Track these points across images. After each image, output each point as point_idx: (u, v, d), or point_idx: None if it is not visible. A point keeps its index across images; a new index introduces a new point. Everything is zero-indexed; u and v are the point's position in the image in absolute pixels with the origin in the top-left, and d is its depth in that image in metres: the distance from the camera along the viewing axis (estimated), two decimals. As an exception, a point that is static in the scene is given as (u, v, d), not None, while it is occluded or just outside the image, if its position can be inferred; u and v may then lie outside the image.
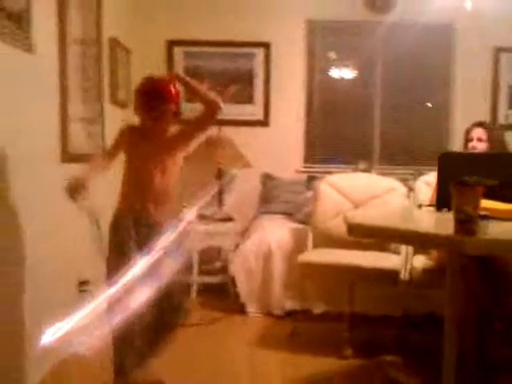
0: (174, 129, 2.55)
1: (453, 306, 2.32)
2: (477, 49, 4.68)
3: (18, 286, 2.43)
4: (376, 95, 4.84)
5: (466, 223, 1.76)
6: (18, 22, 2.32)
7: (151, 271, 2.37)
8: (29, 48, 2.45)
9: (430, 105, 4.89)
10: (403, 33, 4.53)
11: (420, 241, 1.98)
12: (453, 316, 2.30)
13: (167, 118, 2.47)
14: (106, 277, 2.44)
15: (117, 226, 2.48)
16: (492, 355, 2.77)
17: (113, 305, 2.33)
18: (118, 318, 2.32)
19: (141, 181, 2.48)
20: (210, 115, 2.50)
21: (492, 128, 3.14)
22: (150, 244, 2.40)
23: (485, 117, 4.55)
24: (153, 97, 2.44)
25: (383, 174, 4.17)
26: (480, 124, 3.14)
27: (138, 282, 2.35)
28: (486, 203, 2.21)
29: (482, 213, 1.83)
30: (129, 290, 2.34)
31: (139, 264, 2.38)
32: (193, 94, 2.62)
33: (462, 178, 1.80)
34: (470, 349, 2.71)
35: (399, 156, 4.75)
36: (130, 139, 2.52)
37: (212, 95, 2.51)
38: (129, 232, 2.44)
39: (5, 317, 2.30)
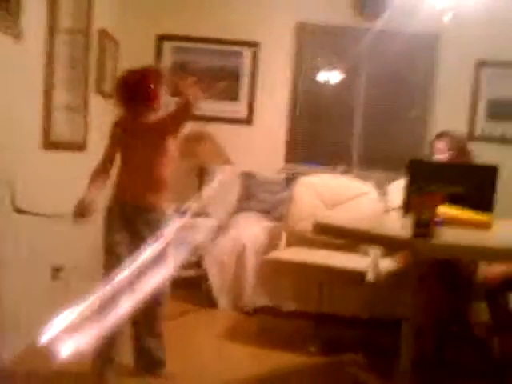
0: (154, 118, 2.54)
1: (413, 310, 2.40)
2: (459, 60, 4.77)
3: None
4: (359, 100, 4.93)
5: (423, 228, 1.86)
6: (7, 9, 2.37)
7: (154, 263, 2.43)
8: (17, 35, 2.50)
9: (413, 112, 4.99)
10: (389, 40, 4.62)
11: (379, 242, 2.08)
12: (412, 318, 2.38)
13: (147, 114, 2.50)
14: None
15: (109, 224, 2.51)
16: (450, 358, 2.89)
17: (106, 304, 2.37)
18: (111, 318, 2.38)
19: (133, 170, 2.51)
20: (182, 112, 2.44)
21: (454, 138, 3.23)
22: (149, 234, 2.44)
23: (462, 127, 4.69)
24: (132, 94, 2.47)
25: (361, 178, 4.29)
26: (441, 135, 3.26)
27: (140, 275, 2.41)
28: (448, 210, 2.33)
29: (439, 219, 1.92)
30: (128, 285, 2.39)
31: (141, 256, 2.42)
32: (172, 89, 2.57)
33: (421, 185, 1.89)
34: (429, 351, 2.83)
35: (378, 161, 4.84)
36: (120, 133, 2.57)
37: (189, 96, 2.41)
38: (120, 229, 2.47)
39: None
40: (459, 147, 3.30)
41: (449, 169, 2.81)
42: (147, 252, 2.43)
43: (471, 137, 4.75)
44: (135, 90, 2.46)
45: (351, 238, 2.40)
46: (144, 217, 2.47)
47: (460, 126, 4.57)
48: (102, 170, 2.58)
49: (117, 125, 2.60)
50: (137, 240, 2.44)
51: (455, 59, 4.77)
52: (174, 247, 2.57)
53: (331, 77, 5.00)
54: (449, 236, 2.00)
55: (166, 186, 2.53)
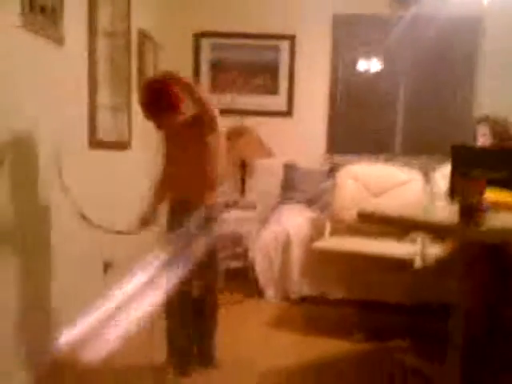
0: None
1: (462, 296, 2.38)
2: (503, 43, 4.65)
3: (47, 267, 2.60)
4: (400, 87, 4.87)
5: (470, 213, 1.84)
6: (51, 16, 2.46)
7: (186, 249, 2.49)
8: (60, 40, 2.60)
9: (458, 96, 4.87)
10: (428, 26, 4.55)
11: (426, 229, 2.07)
12: (461, 305, 2.36)
13: (174, 122, 2.52)
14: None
15: (167, 220, 2.62)
16: (499, 352, 2.84)
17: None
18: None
19: (176, 170, 2.60)
20: (207, 125, 2.50)
21: (495, 122, 3.14)
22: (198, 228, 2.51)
23: (507, 111, 4.56)
24: (155, 110, 2.50)
25: (405, 165, 4.24)
26: (481, 119, 3.18)
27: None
28: (493, 195, 2.29)
29: (486, 204, 1.90)
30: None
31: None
32: (193, 100, 2.52)
33: (465, 171, 1.87)
34: (478, 337, 2.78)
35: (421, 147, 4.77)
36: (167, 138, 2.67)
37: (210, 107, 2.47)
38: (174, 225, 2.55)
39: (34, 295, 2.47)
40: (502, 131, 3.22)
41: (491, 154, 2.74)
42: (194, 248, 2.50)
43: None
44: (158, 99, 2.47)
45: (397, 226, 2.38)
46: (192, 212, 2.51)
47: (505, 110, 4.45)
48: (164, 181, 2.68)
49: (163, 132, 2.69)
50: (189, 234, 2.49)
51: (498, 42, 4.65)
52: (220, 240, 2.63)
53: (370, 66, 4.95)
54: (496, 220, 1.97)
55: (210, 181, 2.57)
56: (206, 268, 2.55)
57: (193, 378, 2.59)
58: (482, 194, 1.85)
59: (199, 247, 2.49)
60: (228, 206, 4.25)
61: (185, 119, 2.53)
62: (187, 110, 2.52)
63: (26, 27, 2.24)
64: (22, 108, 2.30)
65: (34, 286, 2.47)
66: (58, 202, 2.64)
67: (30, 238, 2.42)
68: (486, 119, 3.22)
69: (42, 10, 2.36)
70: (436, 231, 2.22)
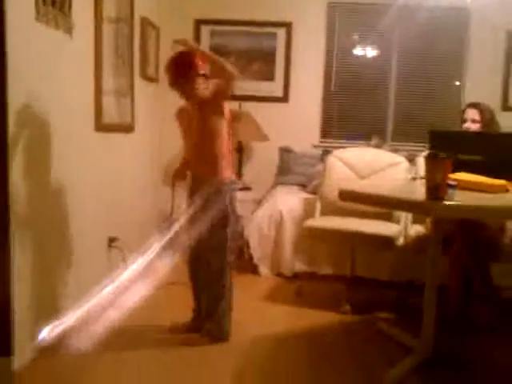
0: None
1: (432, 271, 2.59)
2: (490, 31, 4.84)
3: (59, 242, 2.83)
4: (391, 74, 5.07)
5: (435, 190, 2.06)
6: (60, 7, 2.66)
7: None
8: (69, 29, 2.80)
9: (457, 83, 5.05)
10: (420, 14, 4.74)
11: (396, 205, 2.29)
12: (432, 279, 2.58)
13: (199, 82, 2.72)
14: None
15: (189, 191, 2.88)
16: (474, 316, 3.08)
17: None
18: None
19: (192, 148, 2.83)
20: (227, 83, 2.68)
21: (485, 109, 3.30)
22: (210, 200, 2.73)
23: (495, 99, 4.77)
24: (181, 68, 2.72)
25: (395, 150, 4.46)
26: (474, 105, 3.31)
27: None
28: (466, 176, 2.51)
29: (451, 182, 2.11)
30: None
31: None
32: (212, 64, 2.73)
33: (433, 152, 2.09)
34: (454, 310, 3.03)
35: (411, 133, 4.99)
36: (182, 119, 2.88)
37: (229, 65, 2.66)
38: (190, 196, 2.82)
39: (46, 262, 2.70)
40: (490, 118, 3.37)
41: (468, 137, 2.95)
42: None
43: (505, 107, 4.84)
44: (185, 67, 2.71)
45: (371, 203, 2.59)
46: (205, 186, 2.75)
47: (492, 97, 4.65)
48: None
49: (177, 114, 2.92)
50: (203, 206, 2.73)
51: (486, 29, 4.84)
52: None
53: (364, 53, 5.14)
54: (462, 198, 2.18)
55: (220, 159, 2.78)
56: (215, 233, 2.76)
57: (187, 338, 2.83)
58: (446, 173, 2.06)
59: (210, 214, 2.71)
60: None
61: (206, 91, 2.73)
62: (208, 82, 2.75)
63: (38, 19, 2.45)
64: (37, 93, 2.51)
65: (47, 255, 2.70)
66: (69, 180, 2.87)
67: (44, 213, 2.65)
68: (477, 106, 3.35)
69: (53, 2, 2.56)
70: (406, 207, 2.44)
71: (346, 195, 2.45)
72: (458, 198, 2.12)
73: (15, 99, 2.30)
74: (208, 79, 2.77)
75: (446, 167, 2.07)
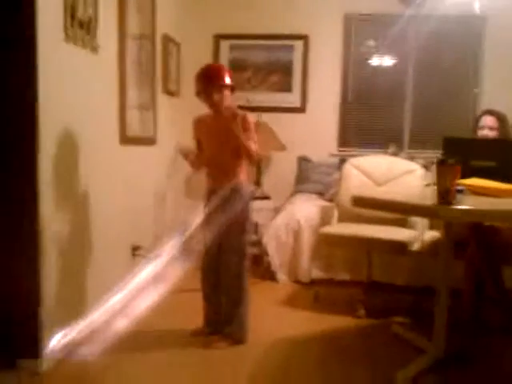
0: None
1: (444, 274, 2.67)
2: (507, 39, 4.90)
3: (84, 250, 2.98)
4: (407, 83, 5.16)
5: (444, 195, 2.15)
6: (87, 28, 2.83)
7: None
8: (95, 48, 2.96)
9: (476, 90, 5.11)
10: (435, 23, 4.83)
11: (407, 210, 2.38)
12: (444, 282, 2.65)
13: (225, 94, 2.86)
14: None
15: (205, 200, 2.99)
16: (485, 319, 3.14)
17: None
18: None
19: (214, 158, 2.94)
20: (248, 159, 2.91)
21: (502, 116, 3.36)
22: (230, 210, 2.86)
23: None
24: (210, 77, 2.86)
25: (411, 158, 4.54)
26: (491, 112, 3.37)
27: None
28: (476, 181, 2.59)
29: (459, 187, 2.20)
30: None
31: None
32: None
33: (442, 158, 2.18)
34: (467, 313, 3.09)
35: (428, 140, 5.06)
36: (200, 128, 3.00)
37: (252, 147, 2.84)
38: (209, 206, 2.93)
39: (73, 268, 2.85)
40: (506, 125, 3.42)
41: (481, 144, 3.02)
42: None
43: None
44: (213, 77, 2.86)
45: (383, 209, 2.68)
46: (225, 196, 2.87)
47: (509, 105, 4.69)
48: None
49: (196, 123, 3.03)
50: (221, 211, 2.86)
51: (503, 38, 4.89)
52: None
53: (380, 63, 5.24)
54: (471, 203, 2.27)
55: (239, 170, 2.92)
56: (235, 237, 2.88)
57: (207, 341, 2.94)
58: (455, 178, 2.15)
59: (229, 218, 2.84)
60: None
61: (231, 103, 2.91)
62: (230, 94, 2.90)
63: (67, 40, 2.62)
64: (65, 108, 2.67)
65: (73, 262, 2.85)
66: (95, 190, 3.02)
67: (72, 221, 2.80)
68: (493, 113, 3.38)
69: (81, 24, 2.73)
70: (416, 212, 2.53)
71: (359, 201, 2.55)
72: (468, 203, 2.21)
73: (46, 114, 2.46)
74: (234, 91, 2.93)
75: (454, 173, 2.15)
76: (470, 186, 2.55)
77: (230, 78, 2.90)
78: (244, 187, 2.93)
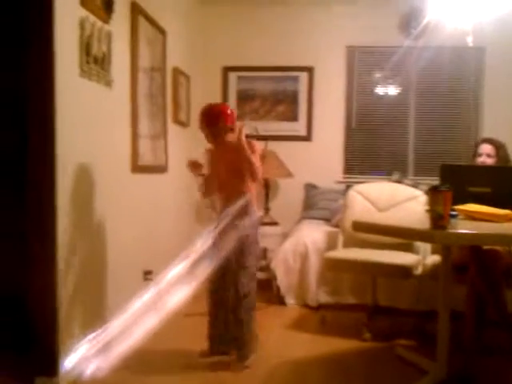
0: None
1: (444, 296, 2.75)
2: (505, 68, 5.04)
3: (98, 274, 3.11)
4: (410, 112, 5.31)
5: (438, 220, 2.25)
6: (102, 64, 3.01)
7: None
8: (108, 82, 3.14)
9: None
10: (435, 54, 5.00)
11: (403, 234, 2.49)
12: (444, 304, 2.73)
13: (225, 133, 3.03)
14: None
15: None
16: (487, 342, 3.20)
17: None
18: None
19: (223, 186, 3.09)
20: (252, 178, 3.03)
21: (499, 144, 3.47)
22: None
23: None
24: (212, 119, 3.02)
25: (415, 184, 4.65)
26: (489, 140, 3.50)
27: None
28: (472, 207, 2.70)
29: (453, 212, 2.31)
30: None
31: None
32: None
33: (435, 185, 2.29)
34: (469, 336, 3.16)
35: (431, 167, 5.17)
36: (210, 156, 3.16)
37: (255, 170, 2.96)
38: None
39: (87, 291, 2.98)
40: (505, 155, 3.53)
41: (477, 171, 3.13)
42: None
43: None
44: (217, 116, 3.03)
45: (382, 233, 2.79)
46: (235, 215, 3.00)
47: (509, 131, 4.81)
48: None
49: (209, 152, 3.19)
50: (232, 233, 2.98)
51: (502, 68, 5.04)
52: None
53: (383, 92, 5.40)
54: (465, 227, 2.37)
55: (249, 194, 3.05)
56: (245, 258, 2.99)
57: (215, 361, 3.04)
58: (448, 203, 2.26)
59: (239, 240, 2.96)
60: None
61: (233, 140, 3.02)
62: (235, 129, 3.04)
63: (82, 76, 2.79)
64: (81, 138, 2.83)
65: (86, 286, 2.98)
66: (108, 217, 3.16)
67: (85, 246, 2.93)
68: (491, 141, 3.52)
69: (95, 60, 2.91)
70: (411, 236, 2.63)
71: (358, 226, 2.66)
72: (463, 227, 2.31)
73: (63, 145, 2.62)
74: (234, 131, 3.05)
75: (446, 198, 2.26)
76: (465, 211, 2.65)
77: (231, 117, 3.05)
78: (253, 208, 3.05)
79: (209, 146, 3.19)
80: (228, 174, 3.05)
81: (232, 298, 3.03)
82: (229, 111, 3.09)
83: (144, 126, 3.82)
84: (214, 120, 3.02)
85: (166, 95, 4.36)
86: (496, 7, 3.96)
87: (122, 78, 3.40)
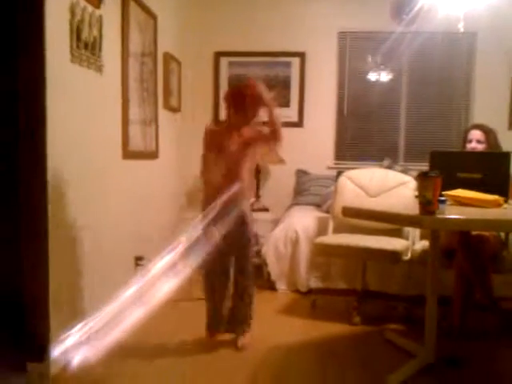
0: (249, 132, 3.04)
1: (432, 280, 2.79)
2: (496, 55, 5.06)
3: (89, 261, 3.11)
4: (401, 98, 5.32)
5: (427, 205, 2.28)
6: (92, 49, 2.99)
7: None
8: (99, 68, 3.12)
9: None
10: (427, 40, 5.01)
11: (392, 219, 2.52)
12: (432, 288, 2.78)
13: (251, 118, 3.01)
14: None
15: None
16: (473, 325, 3.26)
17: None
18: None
19: (228, 170, 3.00)
20: (271, 142, 3.06)
21: (489, 130, 3.50)
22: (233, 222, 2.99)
23: (502, 117, 4.98)
24: (238, 101, 2.98)
25: (405, 170, 4.68)
26: (478, 126, 3.52)
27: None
28: (462, 193, 2.73)
29: (441, 198, 2.33)
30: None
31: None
32: (268, 113, 3.04)
33: (424, 171, 2.32)
34: (456, 319, 3.21)
35: (422, 153, 5.18)
36: (212, 139, 3.06)
37: (280, 128, 3.01)
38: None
39: (81, 277, 2.99)
40: (493, 138, 3.56)
41: (466, 157, 3.16)
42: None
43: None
44: (247, 97, 2.98)
45: (371, 218, 2.82)
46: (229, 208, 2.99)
47: (499, 117, 4.87)
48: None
49: (209, 132, 3.10)
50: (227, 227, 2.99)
51: (492, 53, 5.06)
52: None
53: (375, 78, 5.40)
54: (454, 212, 2.40)
55: (247, 182, 3.07)
56: (247, 242, 3.07)
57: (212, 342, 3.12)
58: (437, 189, 2.28)
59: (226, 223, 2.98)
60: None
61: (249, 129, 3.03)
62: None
63: (73, 61, 2.78)
64: (71, 125, 2.82)
65: (77, 272, 2.99)
66: (99, 203, 3.17)
67: (76, 232, 2.94)
68: (481, 127, 3.53)
69: (86, 45, 2.89)
70: (400, 221, 2.66)
71: (347, 212, 2.69)
72: (451, 213, 2.34)
73: (53, 130, 2.61)
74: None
75: (436, 184, 2.29)
76: (454, 196, 2.68)
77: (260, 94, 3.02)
78: (246, 195, 3.08)
79: (211, 126, 3.16)
80: (231, 159, 3.00)
81: (240, 282, 3.12)
82: (257, 93, 3.00)
83: (135, 112, 3.81)
84: (245, 101, 2.96)
85: (157, 80, 4.34)
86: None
87: (112, 63, 3.38)
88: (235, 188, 3.00)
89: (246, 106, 2.97)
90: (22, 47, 2.52)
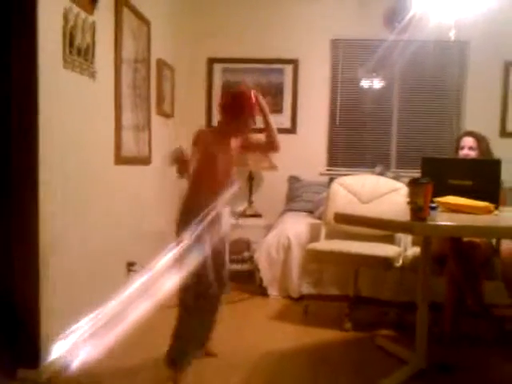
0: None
1: (423, 286, 2.81)
2: (488, 63, 5.11)
3: (82, 265, 3.11)
4: (394, 106, 5.36)
5: (418, 212, 2.30)
6: (85, 55, 2.99)
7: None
8: (92, 74, 3.13)
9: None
10: (419, 48, 5.04)
11: (384, 226, 2.53)
12: (423, 294, 2.79)
13: (246, 129, 2.88)
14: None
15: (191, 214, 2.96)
16: (465, 331, 3.27)
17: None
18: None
19: (223, 174, 2.86)
20: (268, 151, 3.03)
21: (481, 137, 3.53)
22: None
23: (494, 124, 5.03)
24: (235, 110, 2.82)
25: (397, 177, 4.70)
26: (471, 133, 3.55)
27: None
28: (453, 200, 2.74)
29: (432, 205, 2.35)
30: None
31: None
32: (264, 122, 2.93)
33: (415, 178, 2.34)
34: (448, 325, 3.23)
35: (414, 160, 5.22)
36: (203, 141, 2.82)
37: (277, 137, 2.93)
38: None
39: (73, 282, 2.98)
40: (485, 145, 3.58)
41: (457, 164, 3.18)
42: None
43: (502, 133, 5.08)
44: (238, 109, 2.82)
45: (363, 225, 2.84)
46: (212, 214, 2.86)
47: (491, 125, 4.91)
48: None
49: (201, 134, 2.86)
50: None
51: (485, 61, 5.11)
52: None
53: (367, 86, 5.44)
54: (444, 219, 2.42)
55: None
56: (216, 260, 2.89)
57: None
58: (427, 196, 2.30)
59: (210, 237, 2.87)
60: (236, 214, 4.74)
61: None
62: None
63: (66, 67, 2.78)
64: (64, 130, 2.82)
65: (69, 277, 2.98)
66: (91, 208, 3.16)
67: (68, 237, 2.93)
68: (473, 134, 3.54)
69: (79, 51, 2.90)
70: (392, 228, 2.68)
71: (339, 218, 2.70)
72: (442, 219, 2.36)
73: (46, 136, 2.61)
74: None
75: (427, 191, 2.30)
76: (445, 203, 2.70)
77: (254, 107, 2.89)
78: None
79: (202, 128, 3.11)
80: (229, 163, 2.89)
81: (221, 291, 2.94)
82: (252, 101, 2.85)
83: (128, 118, 3.81)
84: (236, 112, 2.82)
85: (150, 87, 4.34)
86: (479, 1, 4.01)
87: (105, 69, 3.39)
88: (225, 196, 2.94)
89: (243, 115, 2.83)
90: (14, 53, 2.53)
